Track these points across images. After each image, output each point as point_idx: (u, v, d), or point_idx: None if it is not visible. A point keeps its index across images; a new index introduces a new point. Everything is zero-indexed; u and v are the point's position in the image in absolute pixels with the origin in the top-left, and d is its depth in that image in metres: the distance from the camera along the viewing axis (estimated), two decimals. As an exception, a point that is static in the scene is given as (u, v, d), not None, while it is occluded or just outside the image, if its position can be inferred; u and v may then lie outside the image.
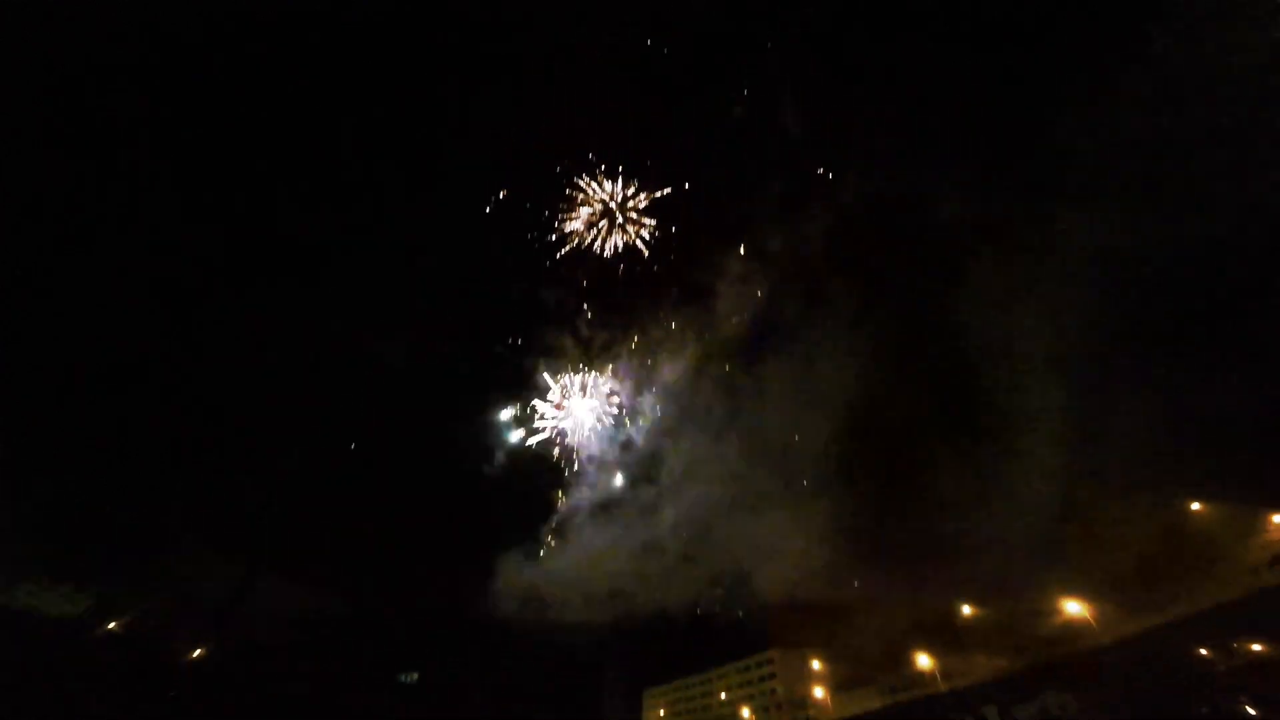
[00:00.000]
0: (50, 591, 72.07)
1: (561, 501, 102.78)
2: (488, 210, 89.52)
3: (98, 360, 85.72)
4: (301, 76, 75.47)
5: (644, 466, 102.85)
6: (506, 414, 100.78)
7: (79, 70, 61.55)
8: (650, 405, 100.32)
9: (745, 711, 79.27)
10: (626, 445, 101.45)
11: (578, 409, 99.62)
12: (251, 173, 79.88)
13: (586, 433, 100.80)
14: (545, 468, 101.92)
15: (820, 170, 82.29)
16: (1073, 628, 56.25)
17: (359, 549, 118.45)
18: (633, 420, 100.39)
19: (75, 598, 72.77)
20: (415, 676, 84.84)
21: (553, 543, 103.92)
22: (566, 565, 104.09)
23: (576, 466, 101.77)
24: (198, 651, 69.30)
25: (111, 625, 66.98)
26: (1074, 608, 55.38)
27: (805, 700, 79.07)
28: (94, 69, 62.65)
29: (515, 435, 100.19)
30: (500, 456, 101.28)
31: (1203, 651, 45.86)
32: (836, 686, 78.96)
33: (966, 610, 68.06)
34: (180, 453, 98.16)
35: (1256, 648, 43.28)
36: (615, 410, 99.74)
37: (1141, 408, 56.82)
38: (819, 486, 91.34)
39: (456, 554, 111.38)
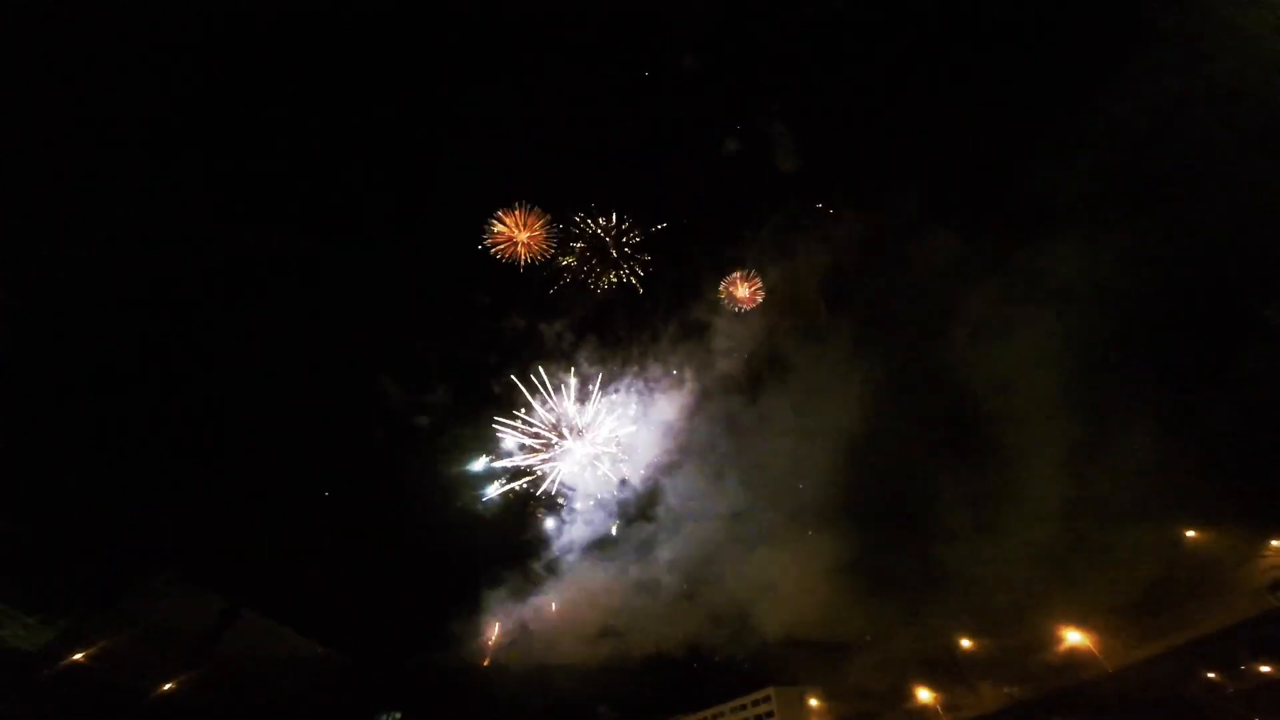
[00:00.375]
0: (15, 622, 68.86)
1: (554, 539, 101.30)
2: (480, 246, 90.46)
3: (72, 387, 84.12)
4: (292, 96, 76.63)
5: (639, 504, 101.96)
6: (497, 451, 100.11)
7: (76, 72, 62.05)
8: (646, 442, 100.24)
9: (743, 752, 76.38)
10: (622, 483, 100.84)
11: (573, 447, 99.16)
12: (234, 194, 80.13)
13: (582, 469, 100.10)
14: (539, 506, 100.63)
15: (819, 205, 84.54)
16: (1076, 656, 55.74)
17: (341, 586, 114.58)
18: (628, 457, 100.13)
19: (41, 629, 69.58)
20: (398, 717, 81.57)
21: (544, 582, 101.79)
22: (558, 604, 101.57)
23: (571, 503, 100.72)
24: (168, 685, 66.06)
25: (77, 657, 63.85)
26: (1075, 637, 54.81)
27: (805, 739, 76.40)
28: (91, 71, 63.20)
29: (506, 473, 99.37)
30: (491, 495, 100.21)
31: (1210, 675, 45.42)
32: (836, 725, 76.68)
33: (967, 643, 67.01)
34: (159, 483, 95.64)
35: (1265, 669, 42.94)
36: (611, 448, 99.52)
37: (1140, 437, 57.60)
38: (817, 521, 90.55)
39: (444, 592, 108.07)
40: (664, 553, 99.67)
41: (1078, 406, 63.27)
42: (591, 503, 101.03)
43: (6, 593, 67.43)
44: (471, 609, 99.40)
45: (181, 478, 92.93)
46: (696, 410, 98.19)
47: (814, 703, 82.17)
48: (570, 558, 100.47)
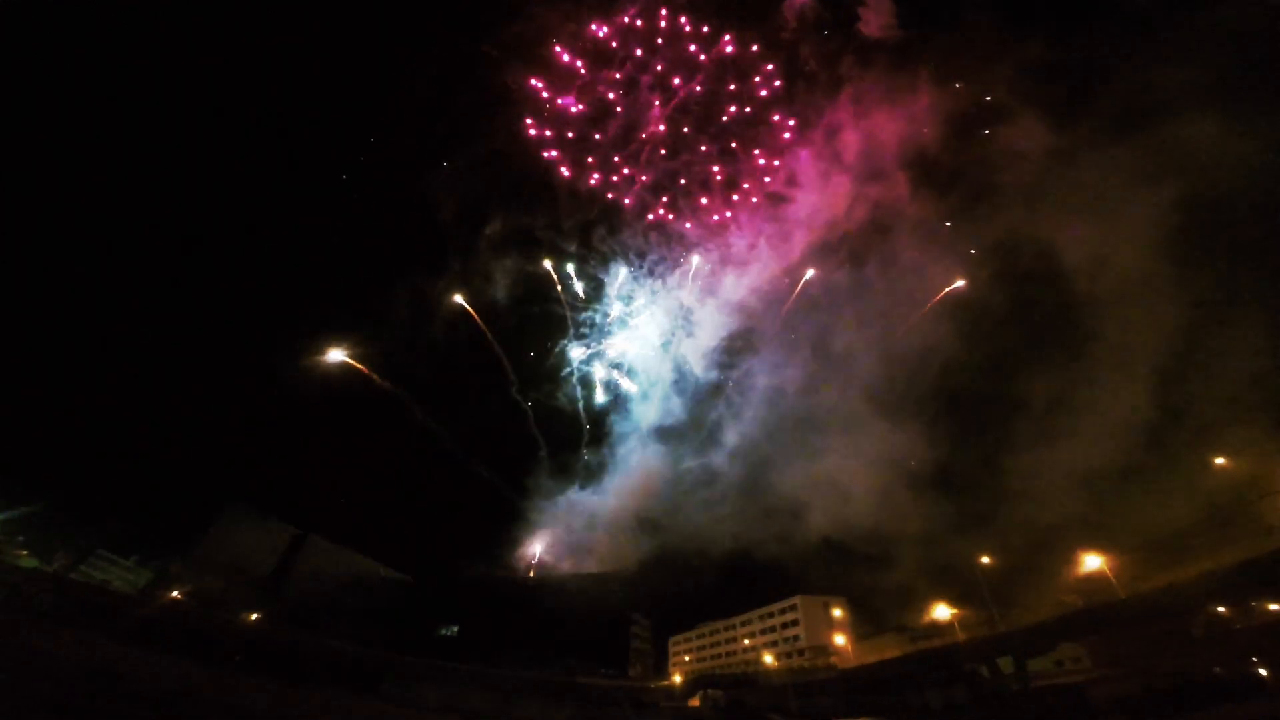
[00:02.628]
0: (117, 566, 77.73)
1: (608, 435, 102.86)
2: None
3: (150, 365, 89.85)
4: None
5: (699, 389, 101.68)
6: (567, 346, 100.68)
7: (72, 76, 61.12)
8: (712, 320, 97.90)
9: (768, 657, 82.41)
10: (682, 366, 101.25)
11: (642, 323, 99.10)
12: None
13: (646, 349, 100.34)
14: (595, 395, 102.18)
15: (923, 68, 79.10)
16: (1092, 581, 56.47)
17: (399, 512, 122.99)
18: (691, 336, 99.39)
19: (140, 570, 78.55)
20: (455, 630, 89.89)
21: (594, 485, 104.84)
22: (606, 508, 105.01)
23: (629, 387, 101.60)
24: (255, 615, 74.29)
25: (175, 594, 72.03)
26: (1094, 561, 55.58)
27: (827, 647, 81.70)
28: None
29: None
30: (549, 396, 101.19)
31: (1220, 610, 45.88)
32: (858, 635, 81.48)
33: (987, 560, 68.81)
34: (224, 427, 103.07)
35: (1275, 607, 43.14)
36: (681, 323, 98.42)
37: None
38: (877, 415, 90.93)
39: (494, 509, 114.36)
40: (713, 450, 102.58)
41: (1152, 314, 65.67)
42: (653, 386, 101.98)
43: (106, 540, 75.41)
44: (520, 525, 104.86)
45: (242, 418, 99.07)
46: (767, 294, 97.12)
47: (837, 612, 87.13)
48: (623, 451, 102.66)
